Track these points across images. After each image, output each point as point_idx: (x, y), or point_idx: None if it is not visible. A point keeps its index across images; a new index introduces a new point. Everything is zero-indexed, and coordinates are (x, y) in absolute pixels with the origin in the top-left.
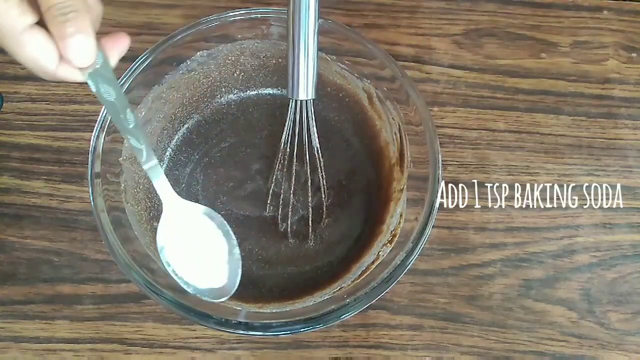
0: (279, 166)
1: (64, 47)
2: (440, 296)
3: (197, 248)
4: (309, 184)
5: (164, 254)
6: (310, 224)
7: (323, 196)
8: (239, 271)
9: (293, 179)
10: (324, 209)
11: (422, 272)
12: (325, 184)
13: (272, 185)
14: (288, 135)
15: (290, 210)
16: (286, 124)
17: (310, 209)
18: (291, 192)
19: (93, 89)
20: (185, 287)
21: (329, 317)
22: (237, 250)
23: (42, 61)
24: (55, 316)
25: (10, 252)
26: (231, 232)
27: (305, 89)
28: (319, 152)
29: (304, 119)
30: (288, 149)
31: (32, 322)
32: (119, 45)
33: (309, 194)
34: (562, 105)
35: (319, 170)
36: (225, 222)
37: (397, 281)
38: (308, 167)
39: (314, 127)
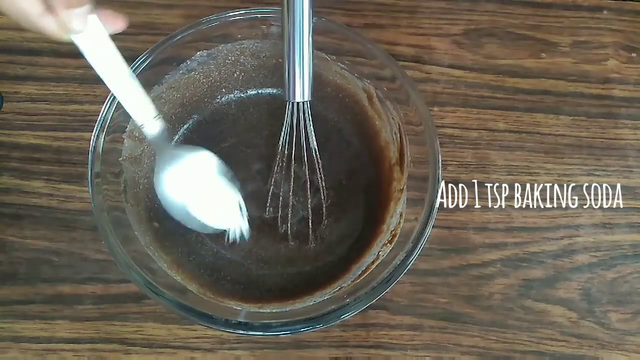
0: (277, 168)
1: (66, 13)
2: (440, 296)
3: (205, 189)
4: (308, 185)
5: (186, 202)
6: (310, 225)
7: (322, 197)
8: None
9: (292, 180)
10: (324, 210)
11: (422, 272)
12: (324, 184)
13: (272, 186)
14: (285, 137)
15: (290, 211)
16: (283, 126)
17: (310, 210)
18: (290, 193)
19: (84, 51)
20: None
21: (329, 317)
22: (237, 184)
23: (23, 4)
24: (55, 316)
25: (10, 252)
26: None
27: (301, 91)
28: (317, 153)
29: (301, 121)
30: (286, 151)
31: (32, 322)
32: (113, 23)
33: (309, 195)
34: (562, 105)
35: (318, 171)
36: (221, 161)
37: (397, 281)
38: (307, 168)
39: (312, 129)
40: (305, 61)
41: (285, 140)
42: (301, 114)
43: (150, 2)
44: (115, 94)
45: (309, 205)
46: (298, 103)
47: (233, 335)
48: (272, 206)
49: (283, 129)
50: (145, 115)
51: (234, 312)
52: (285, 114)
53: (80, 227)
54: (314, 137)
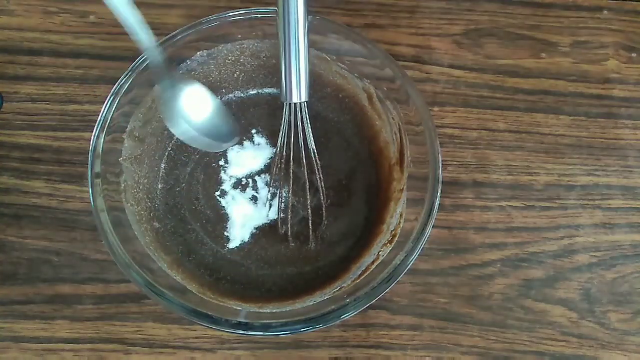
0: (276, 169)
1: None
2: (440, 296)
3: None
4: (308, 186)
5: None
6: (310, 225)
7: (322, 197)
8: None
9: (291, 180)
10: (324, 210)
11: (422, 272)
12: (323, 185)
13: (271, 187)
14: (283, 138)
15: (289, 211)
16: (281, 127)
17: (309, 210)
18: (290, 193)
19: None
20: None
21: (329, 317)
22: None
23: None
24: (55, 316)
25: (10, 252)
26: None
27: (297, 92)
28: (316, 154)
29: (299, 122)
30: (284, 152)
31: (32, 322)
32: None
33: (308, 196)
34: (562, 105)
35: (317, 171)
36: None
37: (397, 281)
38: (306, 169)
39: (309, 130)
40: (301, 62)
41: (284, 141)
42: (299, 115)
43: (150, 2)
44: (121, 20)
45: (309, 206)
46: (295, 104)
47: (233, 335)
48: (271, 206)
49: (281, 130)
50: (147, 41)
51: (234, 312)
52: (283, 114)
53: (80, 227)
54: (312, 138)
